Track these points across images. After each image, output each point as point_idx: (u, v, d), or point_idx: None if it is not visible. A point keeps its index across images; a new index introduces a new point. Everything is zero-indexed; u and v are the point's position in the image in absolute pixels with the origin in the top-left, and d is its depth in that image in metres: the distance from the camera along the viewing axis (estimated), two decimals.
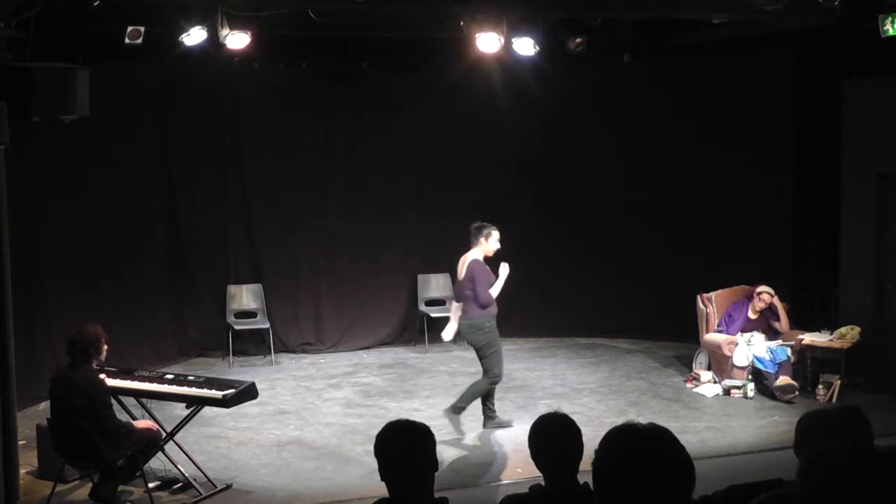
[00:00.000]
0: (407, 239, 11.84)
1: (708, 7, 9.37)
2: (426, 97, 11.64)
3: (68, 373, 6.84)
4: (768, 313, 9.99)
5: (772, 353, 9.54)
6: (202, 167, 11.03)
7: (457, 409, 8.44)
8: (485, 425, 8.60)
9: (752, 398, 9.51)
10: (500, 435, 8.52)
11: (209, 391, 7.24)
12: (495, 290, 8.36)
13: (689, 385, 10.02)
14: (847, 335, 9.62)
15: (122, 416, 7.34)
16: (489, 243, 8.41)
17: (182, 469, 7.33)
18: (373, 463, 3.39)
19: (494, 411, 8.65)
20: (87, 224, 10.06)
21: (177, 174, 10.86)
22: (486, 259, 8.45)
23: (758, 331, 9.90)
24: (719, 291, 10.41)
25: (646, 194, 11.73)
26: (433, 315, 11.65)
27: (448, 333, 8.75)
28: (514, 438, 8.21)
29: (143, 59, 9.74)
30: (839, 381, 9.41)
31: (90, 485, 7.08)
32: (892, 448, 2.54)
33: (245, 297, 11.25)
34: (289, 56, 10.96)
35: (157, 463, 7.32)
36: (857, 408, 3.54)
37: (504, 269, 8.39)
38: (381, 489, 3.39)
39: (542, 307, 12.08)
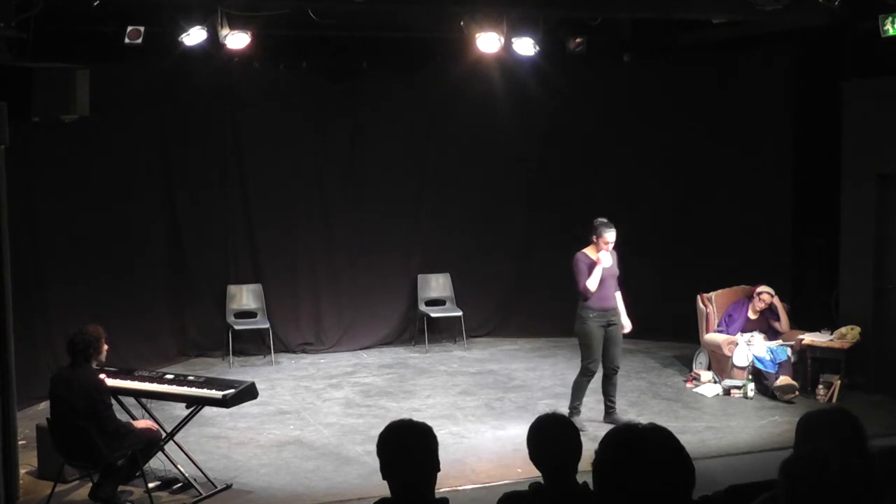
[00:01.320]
0: (407, 239, 11.84)
1: (708, 7, 9.37)
2: (426, 97, 11.64)
3: (68, 373, 6.84)
4: (768, 313, 10.00)
5: (772, 353, 9.55)
6: (202, 167, 11.03)
7: (570, 410, 8.56)
8: (604, 419, 8.64)
9: (752, 398, 9.51)
10: (499, 435, 8.53)
11: (209, 391, 7.24)
12: (592, 282, 8.37)
13: (689, 385, 10.03)
14: (847, 335, 9.62)
15: (122, 416, 7.34)
16: (598, 243, 8.43)
17: (182, 469, 7.33)
18: (373, 463, 3.40)
19: (613, 405, 8.71)
20: (87, 224, 10.05)
21: (177, 174, 10.86)
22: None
23: (758, 331, 9.90)
24: (719, 291, 10.42)
25: (645, 194, 11.73)
26: (433, 315, 11.67)
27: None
28: (514, 438, 8.21)
29: (143, 59, 9.73)
30: (839, 381, 9.41)
31: (90, 485, 7.07)
32: (891, 448, 2.55)
33: (245, 297, 11.25)
34: (289, 56, 10.95)
35: (157, 463, 7.32)
36: (847, 410, 3.56)
37: (604, 257, 8.39)
38: (381, 489, 3.40)
39: (543, 307, 12.08)
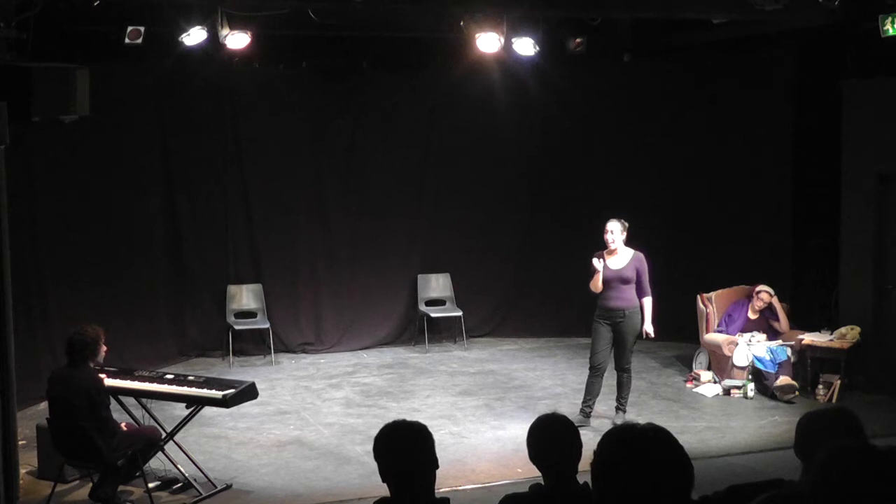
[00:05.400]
0: (407, 239, 11.84)
1: (708, 7, 9.37)
2: (426, 97, 11.64)
3: (67, 372, 6.83)
4: (768, 313, 10.00)
5: (772, 353, 9.55)
6: (202, 167, 11.03)
7: (580, 408, 8.66)
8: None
9: (752, 398, 9.51)
10: (499, 435, 8.53)
11: (209, 391, 7.24)
12: (592, 283, 8.48)
13: (689, 385, 10.03)
14: (847, 335, 9.62)
15: (123, 417, 7.34)
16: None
17: (182, 469, 7.33)
18: (373, 463, 3.40)
19: (619, 406, 8.72)
20: (87, 224, 10.05)
21: (177, 174, 10.86)
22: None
23: (758, 331, 9.90)
24: (719, 291, 10.42)
25: (645, 194, 11.71)
26: (433, 315, 11.67)
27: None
28: (514, 438, 8.21)
29: (143, 59, 9.72)
30: (839, 381, 9.41)
31: (90, 485, 7.08)
32: (892, 448, 2.54)
33: (245, 297, 11.25)
34: (289, 56, 10.95)
35: (157, 463, 7.32)
36: (848, 409, 3.57)
37: (602, 259, 8.49)
38: (381, 489, 3.40)
39: (542, 307, 12.09)
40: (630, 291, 8.47)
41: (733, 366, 9.73)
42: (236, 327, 10.96)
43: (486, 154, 11.82)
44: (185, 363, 10.84)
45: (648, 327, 8.55)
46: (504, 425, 8.79)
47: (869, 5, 8.68)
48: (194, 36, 8.97)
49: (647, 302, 8.54)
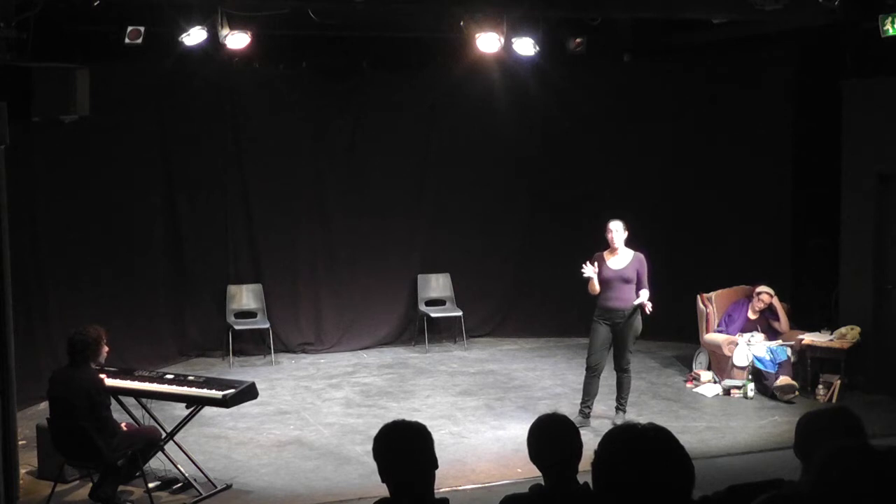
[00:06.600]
0: (407, 239, 11.84)
1: (708, 7, 9.37)
2: (426, 97, 11.64)
3: (68, 373, 6.84)
4: (768, 313, 10.00)
5: (772, 353, 9.55)
6: (202, 167, 11.03)
7: (579, 409, 8.63)
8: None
9: (752, 398, 9.51)
10: (499, 435, 8.53)
11: (209, 391, 7.24)
12: (589, 288, 8.48)
13: (689, 385, 10.03)
14: (847, 335, 9.62)
15: (123, 417, 7.34)
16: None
17: (182, 469, 7.34)
18: (373, 463, 3.40)
19: (619, 406, 8.69)
20: (88, 224, 10.06)
21: (177, 174, 10.86)
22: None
23: (758, 331, 9.90)
24: (719, 291, 10.42)
25: (645, 194, 11.72)
26: (433, 315, 11.67)
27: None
28: (514, 438, 8.21)
29: (143, 59, 9.72)
30: (839, 381, 9.41)
31: (90, 485, 7.08)
32: (892, 448, 2.54)
33: (245, 297, 11.25)
34: (289, 56, 10.96)
35: (157, 463, 7.33)
36: (848, 409, 3.57)
37: (603, 258, 8.51)
38: (381, 489, 3.40)
39: (542, 307, 12.09)
40: (630, 292, 8.46)
41: (733, 366, 9.73)
42: (236, 327, 10.96)
43: (486, 154, 11.82)
44: (185, 363, 10.84)
45: (643, 293, 8.34)
46: (504, 425, 8.79)
47: (869, 5, 8.68)
48: (194, 36, 8.97)
49: (645, 293, 8.43)
